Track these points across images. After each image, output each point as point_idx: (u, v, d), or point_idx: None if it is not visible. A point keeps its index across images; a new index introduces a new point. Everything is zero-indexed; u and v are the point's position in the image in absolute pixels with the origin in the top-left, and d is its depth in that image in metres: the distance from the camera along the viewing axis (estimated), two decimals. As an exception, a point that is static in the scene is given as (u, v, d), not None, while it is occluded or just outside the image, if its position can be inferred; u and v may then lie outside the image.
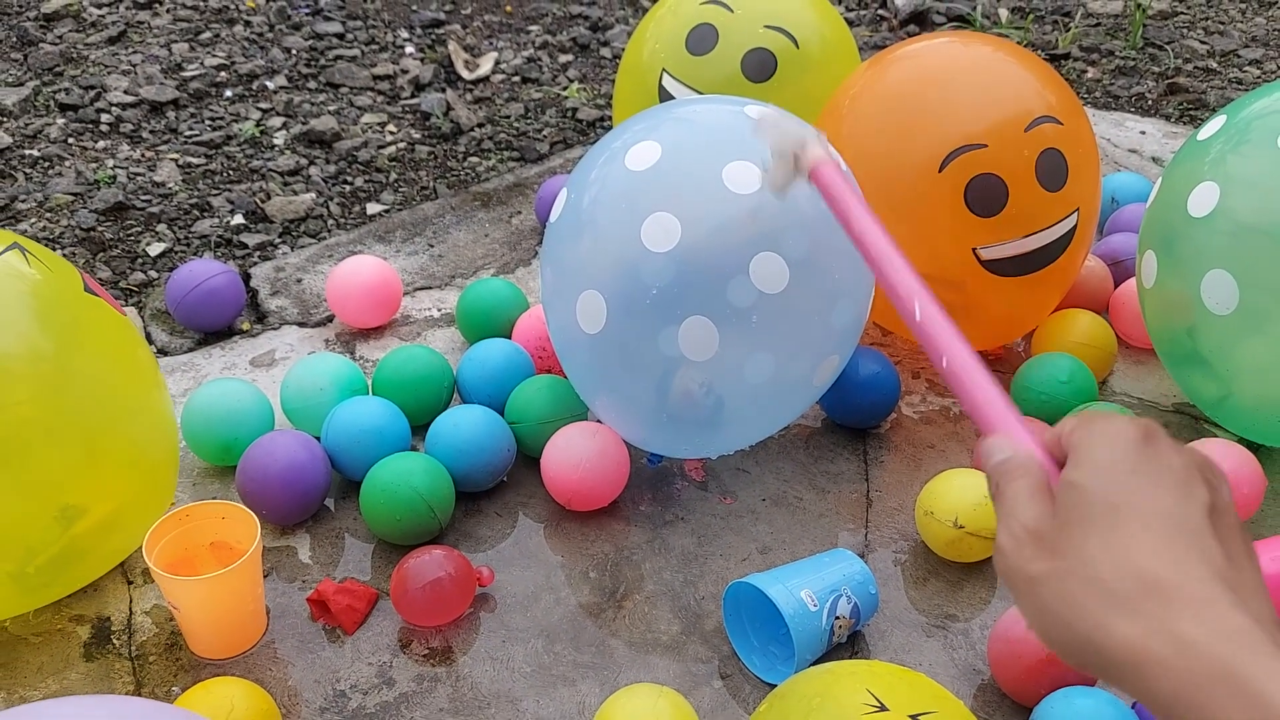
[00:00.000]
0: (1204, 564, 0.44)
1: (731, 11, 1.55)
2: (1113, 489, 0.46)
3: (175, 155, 1.95)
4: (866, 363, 1.35)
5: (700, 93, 1.54)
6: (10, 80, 2.13)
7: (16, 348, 1.03)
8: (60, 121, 2.01)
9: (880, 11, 2.55)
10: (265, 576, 1.19)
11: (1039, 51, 2.39)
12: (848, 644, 1.12)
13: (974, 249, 1.34)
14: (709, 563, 1.22)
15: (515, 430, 1.30)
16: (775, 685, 1.08)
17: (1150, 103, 2.23)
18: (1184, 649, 0.42)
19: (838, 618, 1.08)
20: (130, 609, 1.16)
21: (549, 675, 1.10)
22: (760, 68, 1.53)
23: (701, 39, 1.55)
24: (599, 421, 1.27)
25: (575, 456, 1.24)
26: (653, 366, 1.14)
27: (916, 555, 1.23)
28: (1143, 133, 2.10)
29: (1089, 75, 2.32)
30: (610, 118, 2.11)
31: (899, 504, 1.29)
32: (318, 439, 1.29)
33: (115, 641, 1.12)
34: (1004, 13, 2.56)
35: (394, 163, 1.97)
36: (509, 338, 1.46)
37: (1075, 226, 1.37)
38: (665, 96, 1.57)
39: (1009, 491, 0.50)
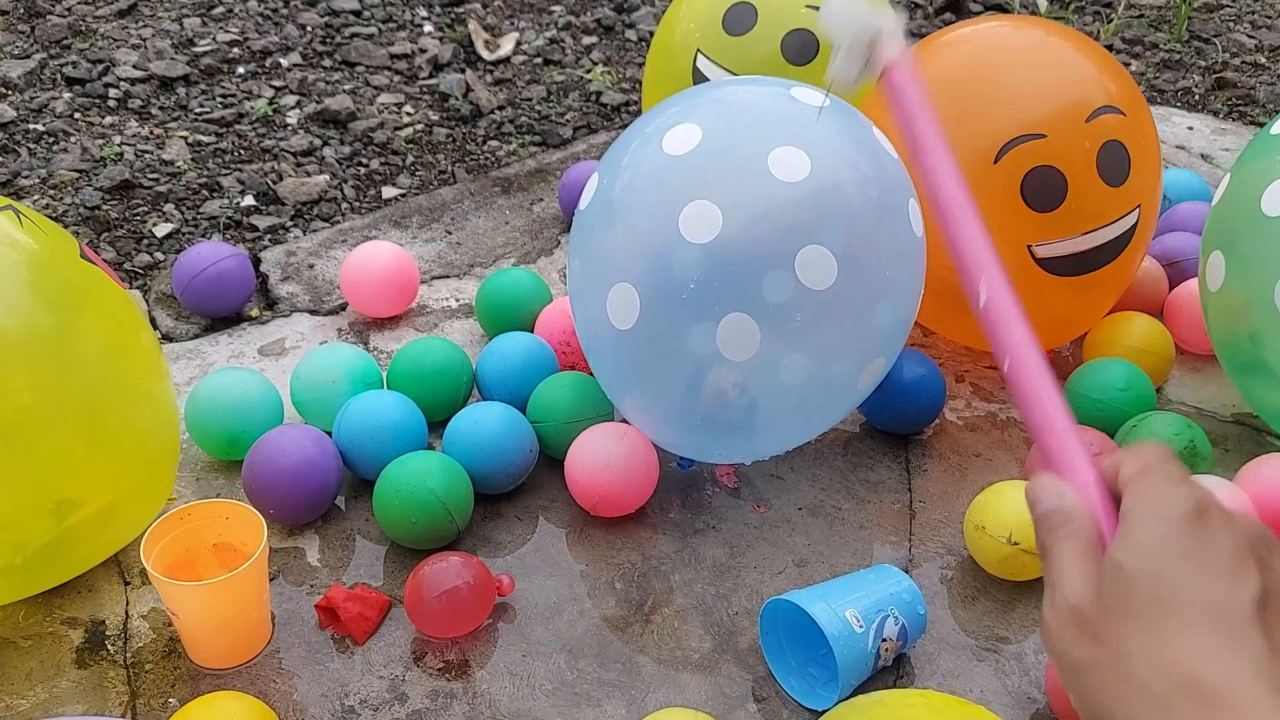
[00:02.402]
0: (1251, 664, 0.42)
1: (772, -10, 1.47)
2: (1158, 576, 0.44)
3: (185, 133, 1.87)
4: (910, 365, 1.27)
5: (737, 75, 1.46)
6: (16, 52, 2.06)
7: (12, 324, 0.96)
8: (67, 96, 1.94)
9: (915, -2, 2.47)
10: (271, 580, 1.12)
11: (1080, 42, 2.30)
12: (893, 667, 1.05)
13: (1029, 246, 1.26)
14: (742, 575, 1.15)
15: (537, 430, 1.23)
16: (814, 710, 1.01)
17: (1197, 98, 2.14)
18: None
19: (884, 640, 1.00)
20: (126, 612, 1.09)
21: (572, 694, 1.03)
22: (801, 50, 1.45)
23: (740, 18, 1.47)
24: (626, 422, 1.20)
25: (601, 460, 1.16)
26: (687, 366, 1.07)
27: (964, 571, 1.15)
28: (1190, 128, 2.01)
29: (1132, 68, 2.23)
30: (636, 102, 2.03)
31: (944, 516, 1.22)
32: (329, 434, 1.21)
33: (110, 647, 1.05)
34: (1042, 2, 2.47)
35: (411, 145, 1.89)
36: (531, 331, 1.39)
37: (1136, 224, 1.29)
38: (700, 79, 1.49)
39: (1055, 555, 0.48)
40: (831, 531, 1.20)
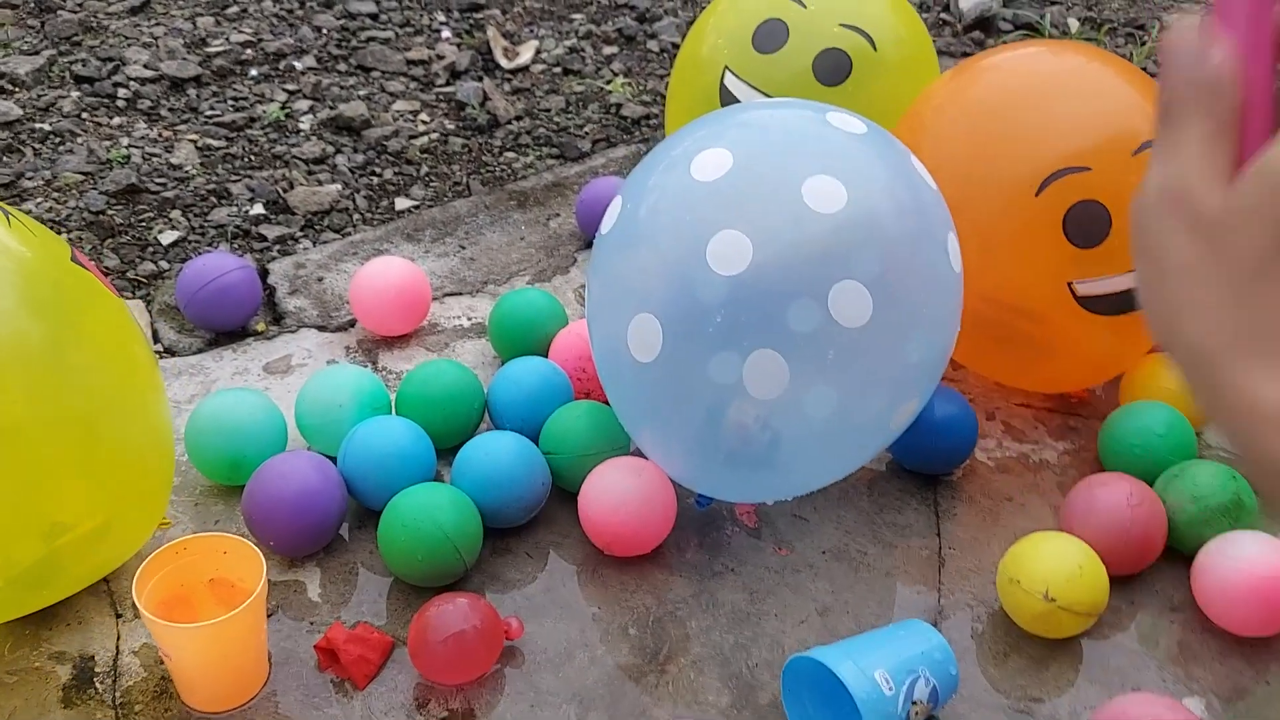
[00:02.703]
0: None
1: (804, 7, 1.42)
2: None
3: (194, 136, 1.83)
4: (942, 403, 1.22)
5: (767, 94, 1.41)
6: (26, 48, 2.01)
7: (3, 334, 0.91)
8: (75, 94, 1.89)
9: (944, 16, 2.41)
10: (269, 617, 1.07)
11: (1113, 64, 2.25)
12: (921, 729, 0.99)
13: (1070, 283, 1.20)
14: (763, 624, 1.09)
15: (550, 462, 1.18)
16: (839, 775, 0.95)
17: (1233, 125, 2.08)
18: None
19: (915, 702, 0.95)
20: (117, 647, 1.04)
21: (582, 749, 0.98)
22: (834, 69, 1.40)
23: (770, 35, 1.42)
24: (643, 456, 1.15)
25: (616, 496, 1.11)
26: (710, 402, 1.01)
27: (996, 625, 1.10)
28: (1227, 157, 1.95)
29: (1167, 92, 2.18)
30: (657, 115, 1.98)
31: (975, 564, 1.16)
32: (334, 460, 1.16)
33: (99, 685, 1.00)
34: (1074, 23, 2.42)
35: (425, 154, 1.84)
36: (545, 354, 1.33)
37: None
38: (727, 97, 1.44)
39: (1180, 128, 0.37)
40: (856, 578, 1.14)
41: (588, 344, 1.24)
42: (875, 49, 1.42)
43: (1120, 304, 1.21)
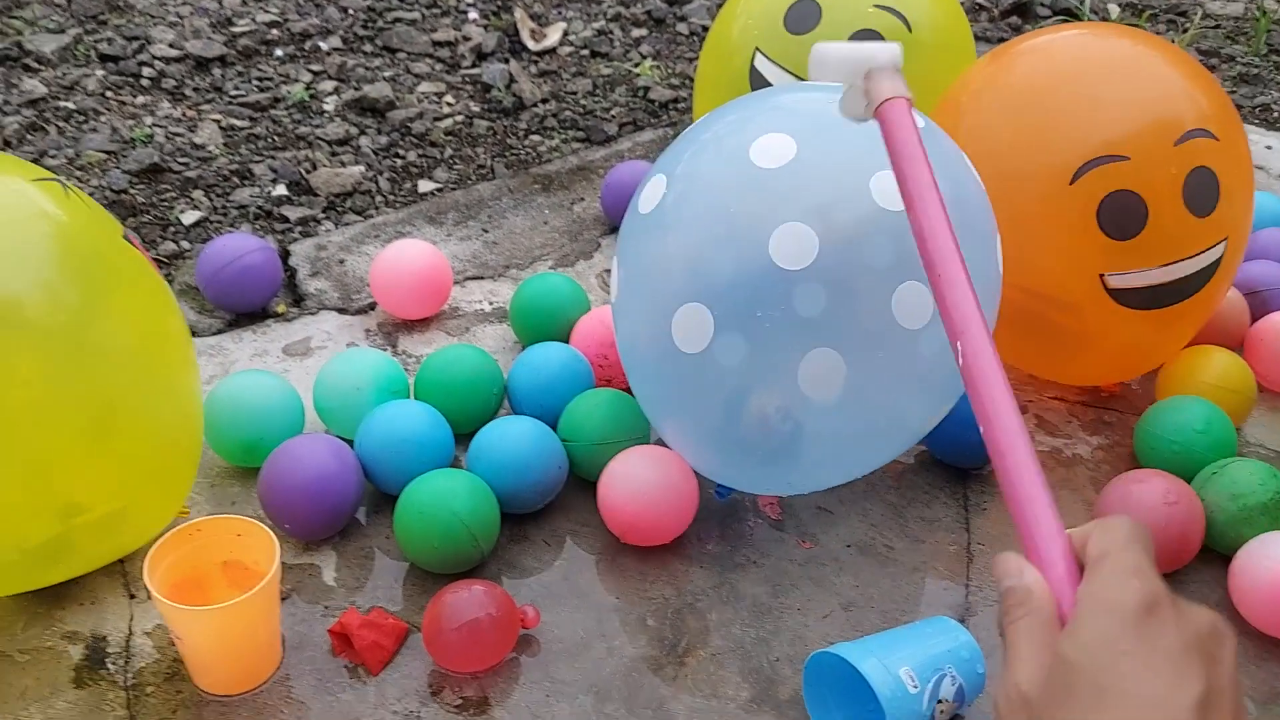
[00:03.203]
0: None
1: (837, -12, 1.38)
2: (1101, 669, 0.44)
3: (218, 116, 1.81)
4: None
5: (798, 77, 1.38)
6: (51, 26, 2.01)
7: (37, 301, 0.90)
8: (100, 73, 1.89)
9: (980, 0, 2.36)
10: (283, 600, 1.05)
11: (1153, 52, 2.19)
12: (946, 729, 0.97)
13: (1102, 275, 1.17)
14: (784, 617, 1.07)
15: (569, 449, 1.15)
16: (860, 774, 0.93)
17: (1277, 115, 2.03)
18: None
19: (940, 701, 0.92)
20: (130, 628, 1.03)
21: (598, 741, 0.96)
22: (866, 53, 1.36)
23: (802, 17, 1.38)
24: (663, 445, 1.12)
25: (636, 485, 1.09)
26: (758, 398, 0.98)
27: (1024, 625, 1.06)
28: (1268, 148, 1.90)
29: (1208, 81, 2.12)
30: (685, 99, 1.95)
31: (1004, 561, 1.13)
32: (351, 444, 1.15)
33: (110, 666, 0.99)
34: (1114, 8, 2.36)
35: (450, 137, 1.82)
36: (566, 340, 1.31)
37: (1221, 257, 1.19)
38: (757, 79, 1.41)
39: (1011, 633, 0.48)
40: (882, 572, 1.11)
41: (610, 331, 1.22)
42: (910, 31, 1.38)
43: (1154, 298, 1.18)
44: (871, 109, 0.75)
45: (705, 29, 2.16)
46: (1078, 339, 1.24)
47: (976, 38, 2.16)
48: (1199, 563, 1.11)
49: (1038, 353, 1.29)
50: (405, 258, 1.37)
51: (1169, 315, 1.21)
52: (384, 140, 1.79)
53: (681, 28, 2.19)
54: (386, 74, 1.97)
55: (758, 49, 1.41)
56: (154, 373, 1.00)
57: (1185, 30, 2.28)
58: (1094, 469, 1.24)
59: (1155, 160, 1.14)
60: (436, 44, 2.07)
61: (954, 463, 1.22)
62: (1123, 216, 1.14)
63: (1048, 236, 1.17)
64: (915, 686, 0.91)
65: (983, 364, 0.57)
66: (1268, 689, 1.02)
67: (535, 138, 1.85)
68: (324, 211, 1.64)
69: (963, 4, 2.33)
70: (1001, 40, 2.21)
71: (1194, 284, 1.19)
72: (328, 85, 1.92)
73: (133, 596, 1.05)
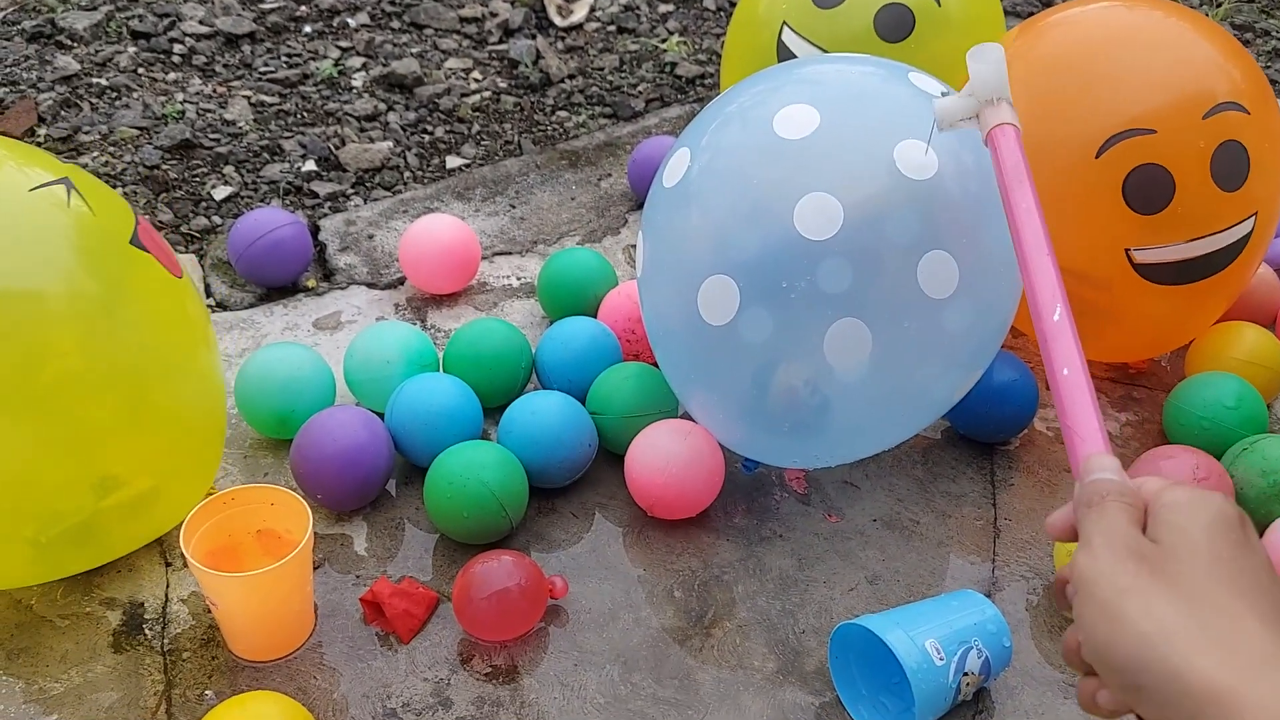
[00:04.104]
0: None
1: (866, -39, 1.37)
2: (1215, 547, 0.47)
3: (248, 93, 1.83)
4: (1003, 368, 1.18)
5: (826, 51, 1.37)
6: (84, 3, 2.02)
7: (59, 290, 0.91)
8: (131, 50, 1.90)
9: (1010, -26, 2.34)
10: (315, 569, 1.07)
11: (1186, 26, 2.17)
12: (972, 701, 0.97)
13: (1127, 250, 1.16)
14: (810, 590, 1.07)
15: (597, 422, 1.16)
16: (885, 744, 0.93)
17: (1313, 89, 2.00)
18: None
19: (966, 674, 0.92)
20: (166, 595, 1.05)
21: (625, 710, 0.97)
22: (896, 25, 1.36)
23: (831, -10, 1.37)
24: (690, 419, 1.13)
25: (663, 458, 1.10)
26: (784, 369, 0.98)
27: (1052, 598, 1.07)
28: (1305, 123, 1.87)
29: (1243, 55, 2.09)
30: (712, 75, 1.95)
31: (1032, 535, 1.13)
32: (381, 416, 1.16)
33: (147, 632, 1.01)
34: (1147, -18, 2.32)
35: (477, 113, 1.82)
36: (594, 315, 1.32)
37: (1251, 233, 1.18)
38: (785, 53, 1.40)
39: (1112, 510, 0.50)
40: (908, 547, 1.12)
41: (638, 306, 1.22)
42: (939, 4, 1.37)
43: (1180, 273, 1.17)
44: (985, 131, 0.83)
45: (732, 4, 2.15)
46: (1106, 315, 1.23)
47: (1006, 12, 2.15)
48: (1228, 539, 1.11)
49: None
50: (434, 233, 1.38)
51: (1197, 291, 1.20)
52: (412, 116, 1.80)
53: (708, 2, 2.18)
54: (414, 50, 1.97)
55: (785, 23, 1.41)
56: (177, 352, 1.01)
57: (1219, 5, 2.24)
58: (1123, 445, 1.24)
59: (1183, 133, 1.13)
60: (463, 20, 2.07)
61: (980, 438, 1.22)
62: (1149, 190, 1.13)
63: (1074, 210, 1.16)
64: (941, 659, 0.91)
65: (1068, 326, 0.65)
66: (1296, 665, 1.01)
67: (562, 114, 1.85)
68: (353, 187, 1.65)
69: None
70: (1031, 14, 2.19)
71: (1222, 260, 1.18)
72: (356, 61, 1.93)
73: (168, 564, 1.07)
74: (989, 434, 1.21)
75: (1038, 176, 1.15)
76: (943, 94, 0.97)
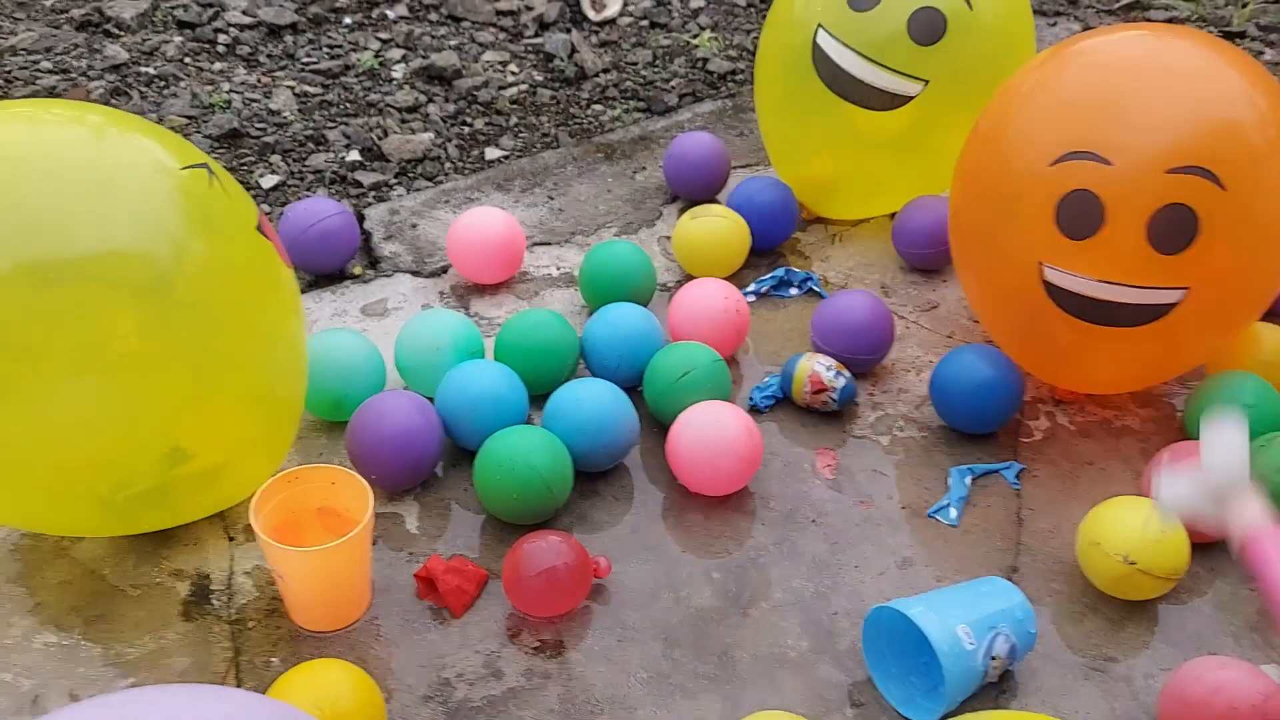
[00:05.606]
0: None
1: (902, -35, 1.41)
2: None
3: (291, 83, 1.87)
4: (985, 365, 1.24)
5: (860, 53, 1.41)
6: (129, -7, 2.07)
7: (197, 260, 0.97)
8: (178, 39, 1.95)
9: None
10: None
11: (1210, 28, 2.19)
12: (996, 682, 1.02)
13: (1041, 262, 1.14)
14: (843, 574, 1.12)
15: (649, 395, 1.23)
16: (914, 721, 0.99)
17: (1335, 92, 2.02)
18: None
19: (994, 658, 0.97)
20: (231, 567, 1.10)
21: (667, 684, 1.02)
22: (929, 29, 1.40)
23: (867, -6, 1.41)
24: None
25: (705, 436, 1.15)
26: None
27: (1073, 585, 1.11)
28: (1327, 125, 1.90)
29: (1266, 57, 2.12)
30: (743, 71, 1.99)
31: (1054, 525, 1.18)
32: (431, 400, 1.21)
33: (215, 602, 1.07)
34: (1172, -18, 2.35)
35: (515, 105, 1.87)
36: (634, 303, 1.36)
37: (1177, 304, 1.11)
38: (819, 55, 1.44)
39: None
40: (935, 533, 1.17)
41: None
42: (971, 8, 1.41)
43: (1088, 310, 1.14)
44: (1233, 527, 0.81)
45: (763, 1, 2.19)
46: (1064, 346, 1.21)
47: (1036, 12, 2.17)
48: (1244, 532, 1.15)
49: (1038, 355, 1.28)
50: (482, 225, 1.43)
51: (1112, 336, 1.15)
52: (451, 108, 1.84)
53: (740, -1, 2.21)
54: (452, 43, 2.01)
55: (820, 25, 1.44)
56: (276, 339, 1.06)
57: (1244, 5, 2.27)
58: (1144, 440, 1.28)
59: (1135, 176, 1.08)
60: (500, 13, 2.11)
61: (965, 430, 1.27)
62: (1079, 214, 1.10)
63: (1018, 210, 1.15)
64: (971, 643, 0.96)
65: None
66: (1308, 653, 1.06)
67: (597, 107, 1.89)
68: (395, 177, 1.69)
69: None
70: (1059, 14, 2.22)
71: (1136, 316, 1.13)
72: (395, 53, 1.97)
73: (231, 539, 1.13)
74: (974, 426, 1.27)
75: (1006, 163, 1.17)
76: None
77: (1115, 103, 1.12)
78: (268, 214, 1.60)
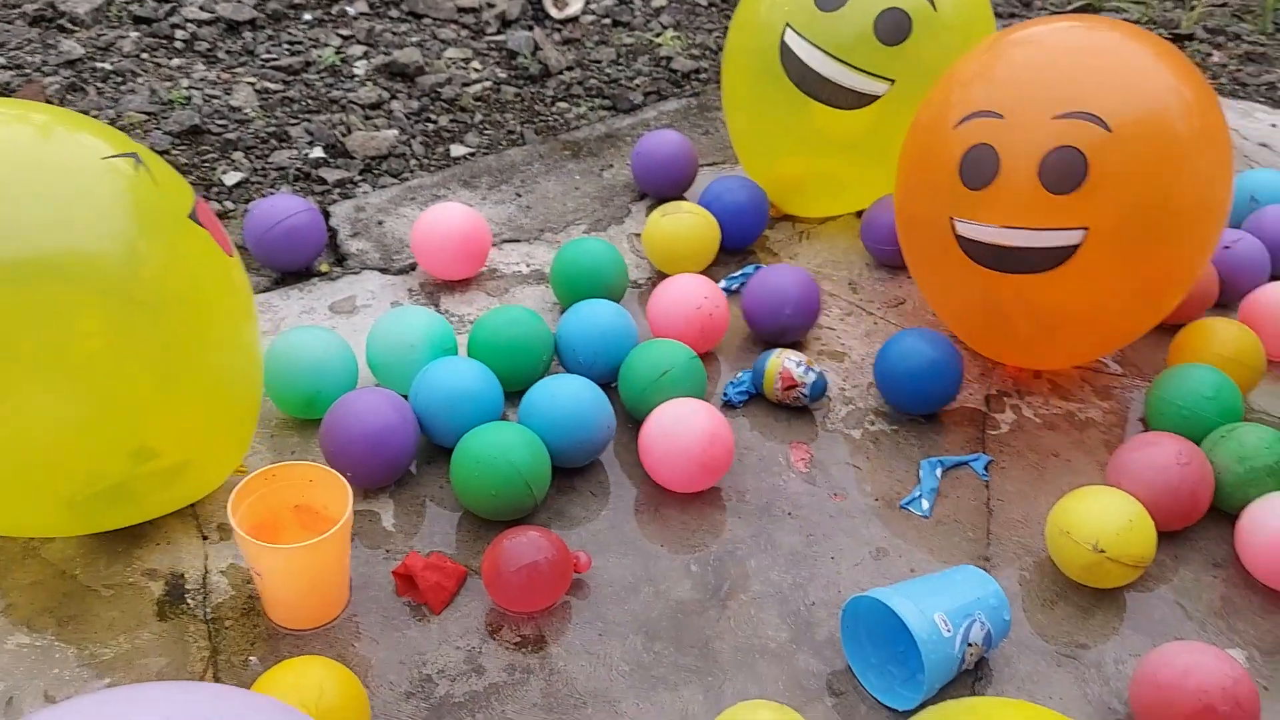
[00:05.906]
0: None
1: (868, -34, 1.43)
2: None
3: (252, 79, 1.85)
4: (928, 347, 1.27)
5: (828, 53, 1.43)
6: (82, -14, 2.03)
7: (117, 253, 0.95)
8: (134, 35, 1.92)
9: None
10: (348, 544, 1.11)
11: (1159, 30, 2.25)
12: (971, 669, 1.04)
13: (951, 218, 1.22)
14: (819, 565, 1.14)
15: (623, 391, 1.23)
16: (893, 709, 1.00)
17: (1280, 94, 2.09)
18: None
19: (970, 645, 0.99)
20: (205, 566, 1.09)
21: (648, 676, 1.03)
22: (894, 29, 1.42)
23: (834, -7, 1.43)
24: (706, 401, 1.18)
25: (675, 432, 1.15)
26: None
27: (1044, 574, 1.14)
28: (1274, 125, 1.96)
29: (1214, 59, 2.18)
30: (707, 70, 2.00)
31: (1022, 515, 1.20)
32: (405, 398, 1.21)
33: (190, 601, 1.05)
34: (1122, -14, 2.41)
35: (479, 103, 1.86)
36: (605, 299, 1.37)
37: (1079, 245, 1.16)
38: (788, 55, 1.46)
39: None
40: (908, 524, 1.18)
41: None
42: (935, 9, 1.43)
43: (998, 258, 1.19)
44: None
45: (725, 1, 2.20)
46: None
47: (997, 14, 2.21)
48: (1206, 521, 1.18)
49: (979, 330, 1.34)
50: (445, 221, 1.42)
51: (1034, 284, 1.19)
52: (415, 105, 1.83)
53: (702, -2, 2.22)
54: (414, 39, 2.00)
55: (788, 24, 1.46)
56: (220, 328, 1.05)
57: (1193, 8, 2.33)
58: (1106, 431, 1.31)
59: (1024, 124, 1.15)
60: (461, 10, 2.10)
61: (912, 410, 1.30)
62: (977, 165, 1.18)
63: (929, 173, 1.25)
64: (949, 631, 0.98)
65: None
66: (1273, 639, 1.09)
67: (562, 105, 1.89)
68: (360, 174, 1.68)
69: None
70: (1013, 15, 2.26)
71: (1043, 260, 1.18)
72: (357, 50, 1.96)
73: (205, 538, 1.11)
74: (919, 407, 1.30)
75: (925, 135, 1.24)
76: None
77: (1016, 68, 1.22)
78: (230, 210, 1.58)
